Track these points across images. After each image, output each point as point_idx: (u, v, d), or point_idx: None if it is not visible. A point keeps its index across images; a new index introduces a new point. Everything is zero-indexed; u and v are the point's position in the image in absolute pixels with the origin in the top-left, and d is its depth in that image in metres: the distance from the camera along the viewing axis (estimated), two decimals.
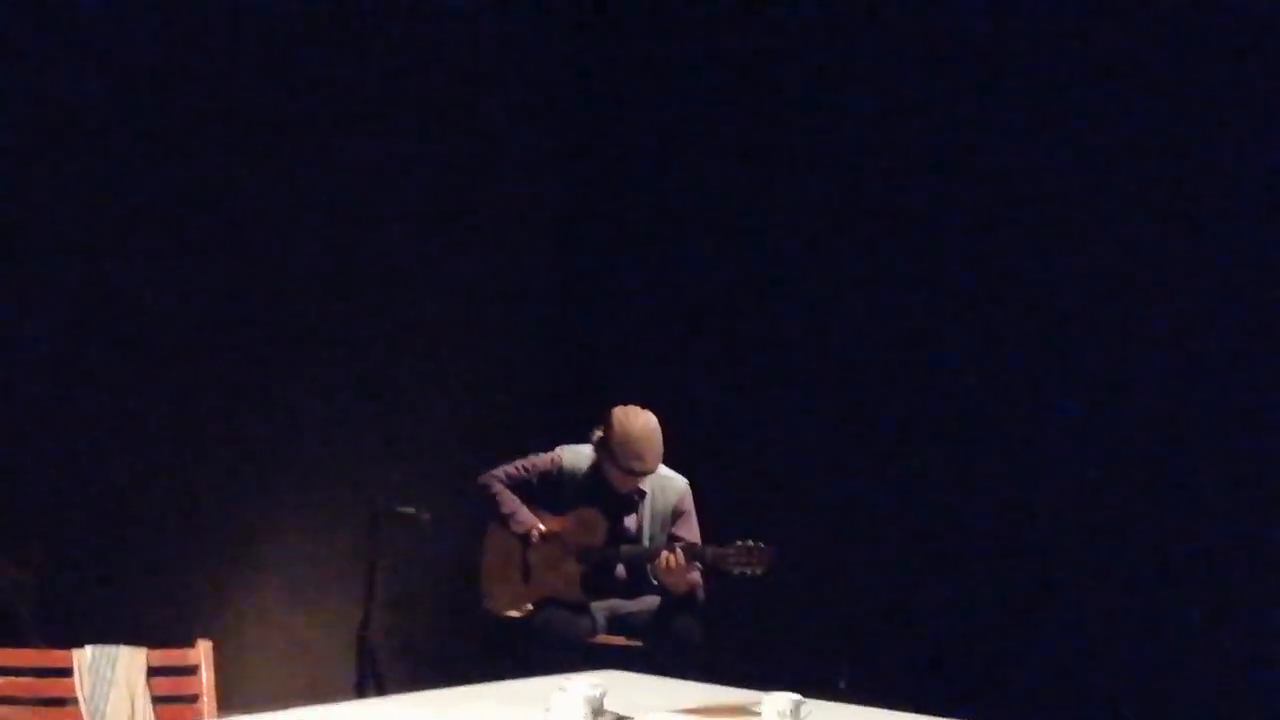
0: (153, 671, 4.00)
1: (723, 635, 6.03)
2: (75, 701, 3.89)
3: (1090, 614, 6.39)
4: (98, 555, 6.05)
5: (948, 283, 6.83)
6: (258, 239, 6.60)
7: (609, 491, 6.00)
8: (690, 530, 5.99)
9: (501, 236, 7.52)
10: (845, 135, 7.12)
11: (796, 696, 3.69)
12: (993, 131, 6.71)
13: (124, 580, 6.10)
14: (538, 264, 7.68)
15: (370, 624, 6.12)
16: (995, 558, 6.58)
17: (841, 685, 6.10)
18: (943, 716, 3.96)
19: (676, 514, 6.02)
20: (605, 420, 5.94)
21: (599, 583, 6.00)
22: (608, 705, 3.69)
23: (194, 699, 4.03)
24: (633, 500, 6.03)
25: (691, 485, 6.09)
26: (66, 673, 3.92)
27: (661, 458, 5.94)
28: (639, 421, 5.89)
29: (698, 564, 5.81)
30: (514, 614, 6.06)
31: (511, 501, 6.09)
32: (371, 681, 6.05)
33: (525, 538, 6.05)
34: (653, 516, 6.03)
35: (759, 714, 3.71)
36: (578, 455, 6.11)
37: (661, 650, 5.73)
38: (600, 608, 5.97)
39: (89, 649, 3.95)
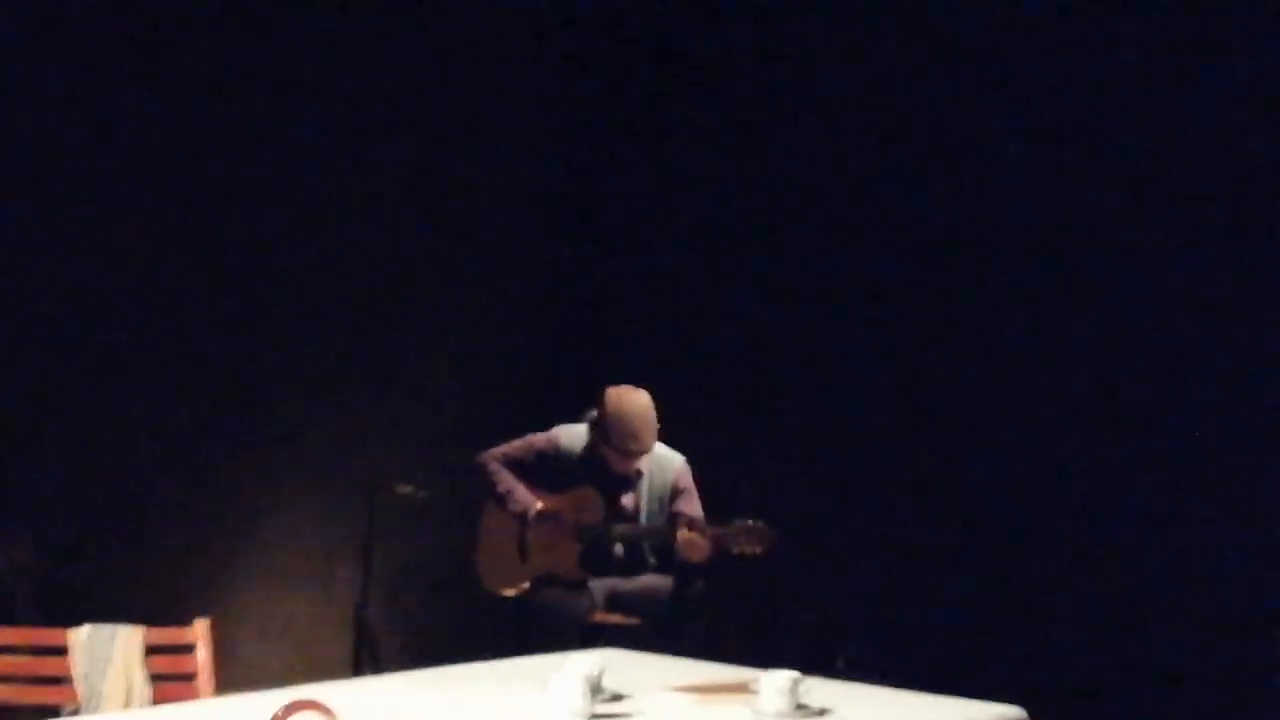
0: (150, 650, 4.00)
1: (722, 614, 6.03)
2: (71, 680, 3.88)
3: (1089, 595, 6.38)
4: (95, 534, 6.05)
5: (946, 259, 6.82)
6: (258, 223, 6.60)
7: (606, 470, 5.99)
8: (693, 506, 5.98)
9: (497, 217, 7.51)
10: (841, 125, 7.11)
11: (795, 674, 3.68)
12: (997, 136, 6.72)
13: (122, 559, 6.10)
14: (533, 244, 7.67)
15: (368, 603, 6.11)
16: (994, 536, 6.58)
17: (840, 663, 6.10)
18: (940, 694, 3.95)
19: (676, 491, 6.01)
20: (599, 400, 5.93)
21: (596, 561, 5.99)
22: (605, 683, 3.69)
23: (191, 677, 4.02)
24: (630, 479, 6.01)
25: (690, 463, 6.07)
26: (63, 651, 3.92)
27: (656, 436, 5.93)
28: (633, 401, 5.88)
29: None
30: (511, 592, 6.05)
31: (508, 480, 6.08)
32: (369, 660, 6.04)
33: (522, 516, 6.04)
34: (650, 495, 6.01)
35: (757, 692, 3.70)
36: (574, 434, 6.09)
37: (666, 628, 5.72)
38: (598, 586, 5.96)
39: (86, 627, 3.95)
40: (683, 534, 5.75)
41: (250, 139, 6.52)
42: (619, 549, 6.02)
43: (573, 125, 7.76)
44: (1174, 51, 6.29)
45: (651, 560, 6.01)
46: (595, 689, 3.58)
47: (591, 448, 6.01)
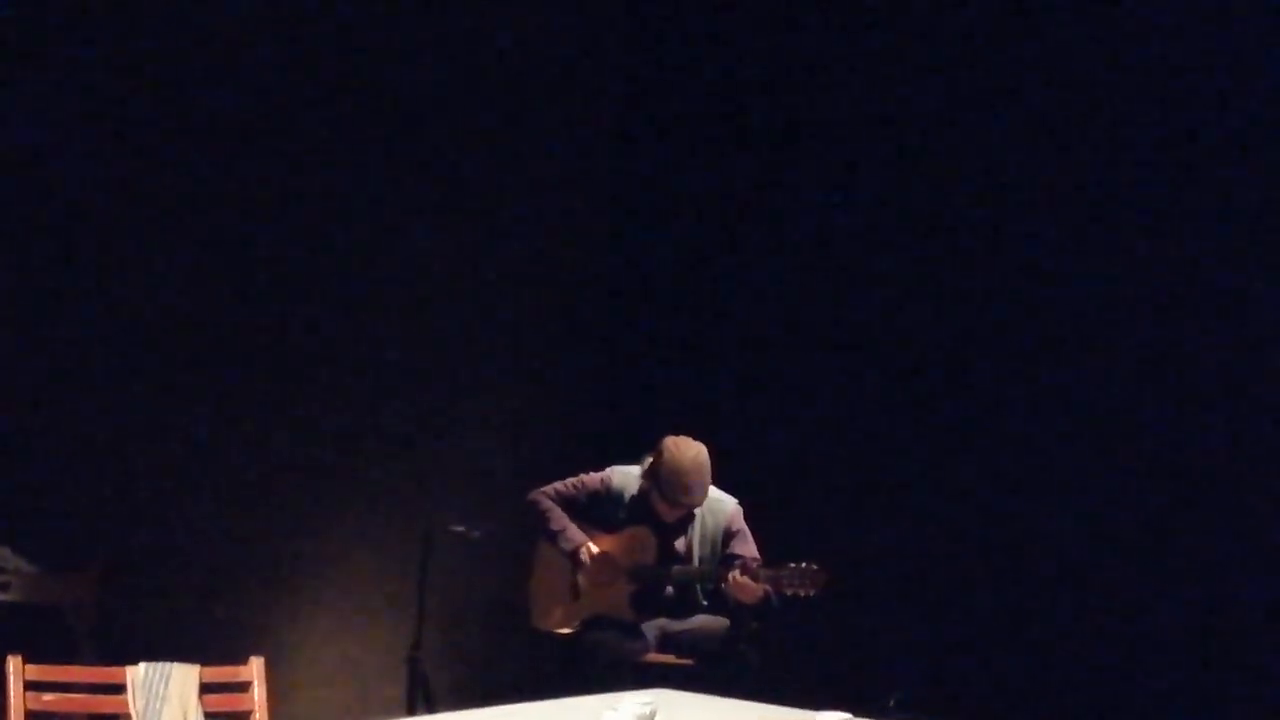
0: (205, 688, 4.01)
1: (774, 655, 6.00)
2: (129, 718, 3.90)
3: (1145, 635, 6.32)
4: (152, 574, 6.08)
5: (1004, 295, 6.78)
6: (317, 269, 6.64)
7: (656, 514, 5.98)
8: (748, 548, 5.96)
9: (554, 259, 7.51)
10: (895, 143, 7.07)
11: (847, 715, 3.67)
12: (1023, 139, 6.69)
13: (178, 598, 6.12)
14: (589, 286, 7.67)
15: (421, 642, 6.11)
16: (1048, 579, 6.52)
17: (891, 704, 6.06)
18: None
19: (729, 535, 5.99)
20: (656, 449, 5.91)
21: (648, 602, 5.97)
22: None
23: (246, 716, 4.04)
24: (682, 521, 6.00)
25: (743, 506, 6.05)
26: (120, 689, 3.93)
27: (708, 491, 5.91)
28: (689, 454, 5.85)
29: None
30: (563, 631, 6.04)
31: (561, 519, 6.07)
32: (422, 699, 6.03)
33: (574, 555, 6.04)
34: (702, 538, 6.00)
35: None
36: (627, 476, 6.09)
37: (718, 669, 5.70)
38: (650, 626, 5.94)
39: (142, 665, 3.96)
40: (734, 576, 5.73)
41: (308, 165, 6.58)
42: (670, 590, 6.01)
43: (625, 166, 7.76)
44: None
45: (704, 602, 6.00)
46: None
47: (643, 490, 6.00)
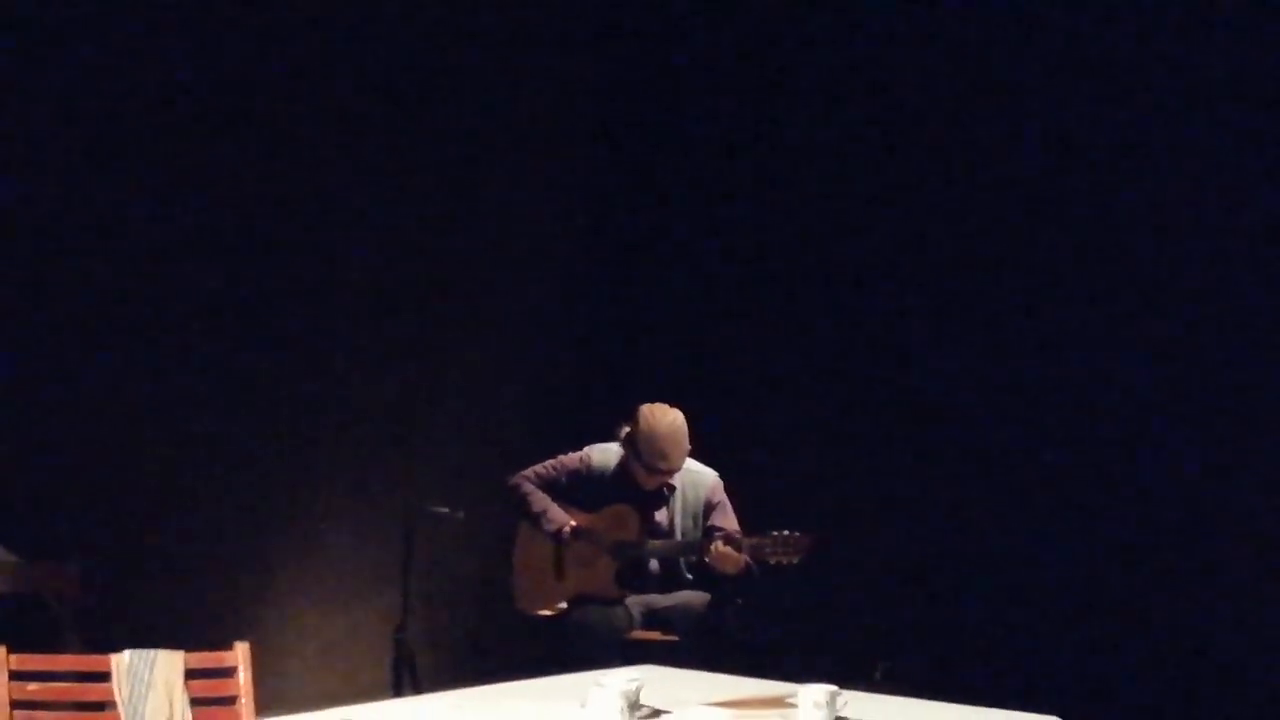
0: (190, 674, 3.99)
1: (759, 628, 6.01)
2: (114, 705, 3.89)
3: (1129, 604, 6.35)
4: (135, 560, 6.06)
5: (975, 265, 6.81)
6: (298, 243, 6.62)
7: (638, 488, 5.99)
8: (728, 520, 5.97)
9: (530, 239, 7.51)
10: (878, 128, 7.11)
11: (832, 688, 3.67)
12: (1027, 135, 6.73)
13: (161, 584, 6.11)
14: (564, 266, 7.67)
15: (406, 623, 6.11)
16: (1032, 547, 6.54)
17: (877, 676, 6.08)
18: (978, 706, 3.93)
19: (709, 507, 6.00)
20: (632, 417, 5.93)
21: (632, 578, 5.98)
22: (644, 699, 3.68)
23: (232, 701, 4.02)
24: (663, 495, 6.01)
25: (723, 478, 6.05)
26: (105, 677, 3.92)
27: (686, 455, 5.92)
28: (665, 420, 5.87)
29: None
30: (548, 613, 6.04)
31: (542, 501, 6.08)
32: (408, 681, 6.03)
33: (557, 536, 6.04)
34: (684, 510, 6.01)
35: (795, 705, 3.69)
36: (606, 453, 6.09)
37: (704, 644, 5.70)
38: (635, 603, 5.95)
39: (127, 653, 3.95)
40: (716, 547, 5.74)
41: (299, 153, 6.57)
42: (654, 565, 6.02)
43: (605, 144, 7.77)
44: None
45: (688, 576, 6.00)
46: (633, 705, 3.58)
47: (623, 465, 6.01)
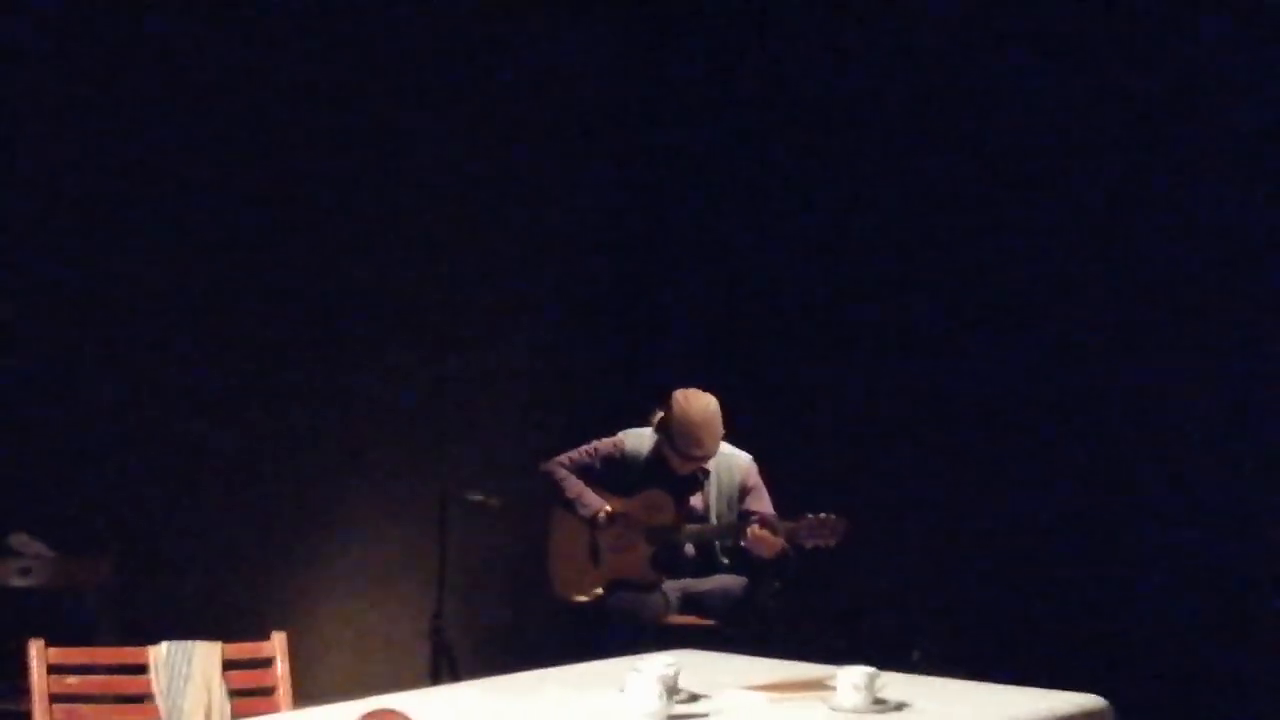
0: (228, 665, 4.01)
1: (796, 612, 6.01)
2: (152, 697, 3.91)
3: (1167, 587, 6.33)
4: (170, 551, 6.09)
5: (1015, 252, 6.81)
6: (327, 228, 6.64)
7: (673, 472, 5.98)
8: (763, 504, 5.96)
9: (563, 226, 7.51)
10: (903, 114, 7.12)
11: (871, 670, 3.66)
12: (1056, 126, 6.72)
13: (197, 575, 6.14)
14: (599, 251, 7.66)
15: (443, 611, 6.12)
16: (1072, 525, 6.53)
17: (916, 657, 6.07)
18: (1018, 686, 3.92)
19: (744, 490, 5.99)
20: (666, 403, 5.92)
21: (668, 563, 5.98)
22: (682, 684, 3.68)
23: (270, 691, 4.04)
24: (697, 479, 6.00)
25: (758, 461, 6.05)
26: (142, 669, 3.94)
27: (720, 442, 5.91)
28: (699, 405, 5.86)
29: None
30: (584, 598, 6.04)
31: (576, 486, 6.08)
32: (446, 669, 6.05)
33: (592, 520, 6.04)
34: (719, 494, 6.00)
35: (833, 688, 3.68)
36: (640, 438, 6.09)
37: (740, 628, 5.71)
38: (672, 587, 5.95)
39: (164, 645, 3.97)
40: (753, 530, 5.74)
41: (322, 142, 6.59)
42: (690, 550, 6.01)
43: (638, 125, 7.76)
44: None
45: (724, 560, 6.00)
46: (671, 690, 3.58)
47: (658, 450, 6.01)
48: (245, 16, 6.38)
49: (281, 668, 4.04)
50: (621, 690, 3.58)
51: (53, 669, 3.82)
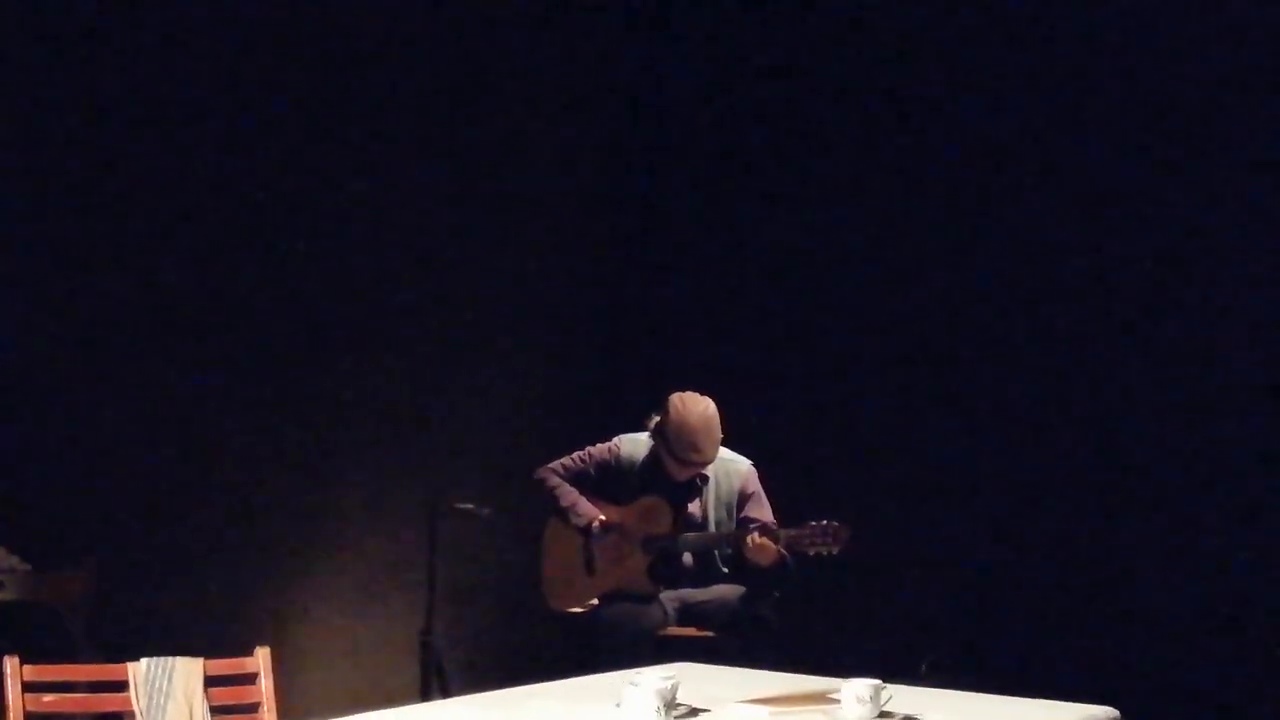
0: (210, 681, 4.01)
1: (800, 621, 6.01)
2: (132, 715, 3.90)
3: (1178, 596, 6.35)
4: (150, 564, 6.08)
5: (1010, 248, 6.83)
6: (316, 236, 6.64)
7: (670, 479, 5.98)
8: (763, 511, 5.95)
9: (553, 229, 7.52)
10: (903, 114, 7.15)
11: (876, 682, 3.66)
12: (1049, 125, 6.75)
13: (178, 588, 6.12)
14: (590, 255, 7.67)
15: (433, 623, 6.12)
16: (1082, 537, 6.54)
17: (924, 669, 6.07)
18: (1029, 698, 3.92)
19: (744, 497, 5.98)
20: (662, 407, 5.91)
21: (666, 572, 5.97)
22: (680, 698, 3.67)
23: (254, 708, 4.03)
24: (695, 486, 5.99)
25: (758, 467, 6.04)
26: (122, 686, 3.93)
27: (719, 447, 5.90)
28: (696, 409, 5.85)
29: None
30: (579, 609, 6.04)
31: (570, 494, 6.07)
32: (436, 683, 6.04)
33: (585, 530, 6.03)
34: (717, 501, 5.99)
35: (838, 701, 3.68)
36: (636, 444, 6.08)
37: (739, 637, 5.70)
38: (670, 598, 5.94)
39: (144, 661, 3.96)
40: (753, 539, 5.73)
41: (315, 146, 6.60)
42: (688, 559, 6.01)
43: (625, 134, 7.78)
44: None
45: (724, 569, 5.99)
46: (669, 704, 3.57)
47: (654, 456, 6.00)
48: (244, 17, 6.38)
49: (266, 684, 4.04)
50: (618, 705, 3.58)
51: (29, 686, 3.81)
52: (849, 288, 7.23)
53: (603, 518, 6.02)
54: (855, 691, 3.63)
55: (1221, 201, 6.43)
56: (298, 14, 6.54)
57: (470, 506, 6.18)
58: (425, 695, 6.00)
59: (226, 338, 6.37)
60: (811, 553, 5.66)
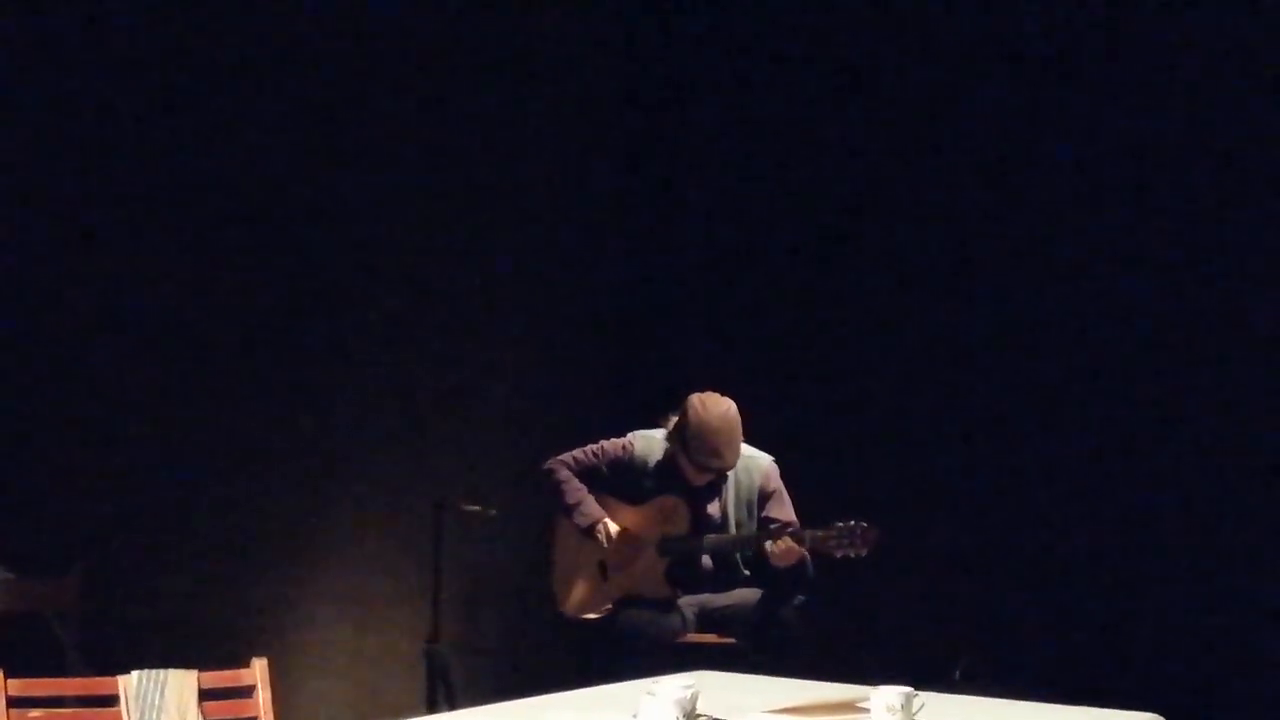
0: (205, 694, 4.00)
1: (826, 626, 5.99)
2: None
3: (1213, 601, 6.35)
4: (142, 572, 6.07)
5: (1044, 247, 6.85)
6: (312, 237, 6.66)
7: (686, 481, 5.93)
8: (784, 510, 5.91)
9: (561, 225, 7.56)
10: (919, 108, 7.16)
11: (907, 689, 3.63)
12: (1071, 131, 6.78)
13: (172, 598, 6.12)
14: (600, 251, 7.70)
15: (439, 631, 6.10)
16: (1114, 539, 6.55)
17: (957, 675, 6.05)
18: (1066, 705, 3.89)
19: (764, 495, 5.94)
20: (681, 408, 5.85)
21: (685, 576, 5.93)
22: (700, 708, 3.66)
23: None
24: (714, 485, 5.94)
25: (779, 464, 6.00)
26: (113, 700, 3.92)
27: (739, 451, 5.84)
28: (717, 412, 5.78)
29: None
30: (593, 616, 6.00)
31: (577, 491, 6.01)
32: (442, 694, 6.03)
33: (590, 531, 5.98)
34: (737, 501, 5.95)
35: (867, 710, 3.66)
36: (650, 441, 6.03)
37: (764, 645, 5.68)
38: (688, 603, 5.90)
39: (135, 674, 3.95)
40: (776, 541, 5.69)
41: (313, 145, 6.62)
42: (707, 562, 5.97)
43: (634, 130, 7.81)
44: None
45: (745, 572, 5.95)
46: (689, 715, 3.56)
47: (669, 457, 5.95)
48: (241, 18, 6.39)
49: (263, 697, 4.04)
50: (635, 716, 3.57)
51: (15, 701, 3.81)
52: (868, 280, 7.23)
53: (609, 522, 5.98)
54: (885, 700, 3.60)
55: (1224, 202, 6.46)
56: (298, 14, 6.57)
57: (477, 508, 6.17)
58: (431, 707, 5.99)
59: (222, 341, 6.37)
60: (839, 555, 5.61)
